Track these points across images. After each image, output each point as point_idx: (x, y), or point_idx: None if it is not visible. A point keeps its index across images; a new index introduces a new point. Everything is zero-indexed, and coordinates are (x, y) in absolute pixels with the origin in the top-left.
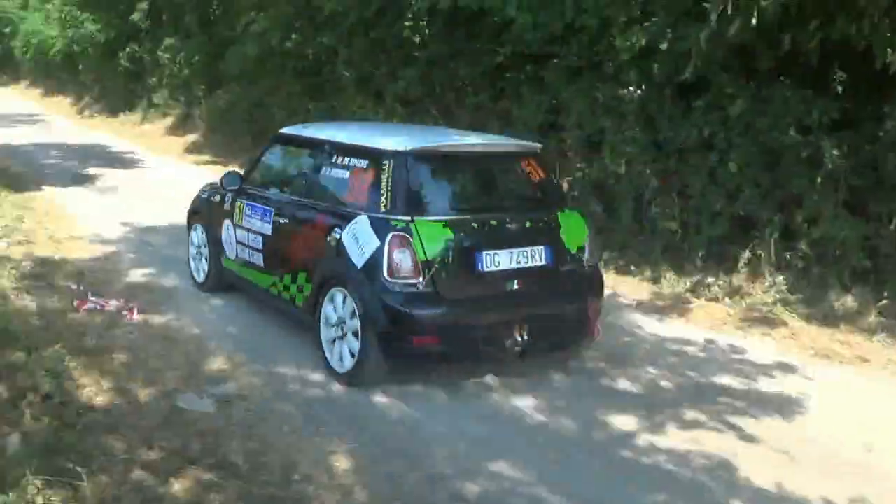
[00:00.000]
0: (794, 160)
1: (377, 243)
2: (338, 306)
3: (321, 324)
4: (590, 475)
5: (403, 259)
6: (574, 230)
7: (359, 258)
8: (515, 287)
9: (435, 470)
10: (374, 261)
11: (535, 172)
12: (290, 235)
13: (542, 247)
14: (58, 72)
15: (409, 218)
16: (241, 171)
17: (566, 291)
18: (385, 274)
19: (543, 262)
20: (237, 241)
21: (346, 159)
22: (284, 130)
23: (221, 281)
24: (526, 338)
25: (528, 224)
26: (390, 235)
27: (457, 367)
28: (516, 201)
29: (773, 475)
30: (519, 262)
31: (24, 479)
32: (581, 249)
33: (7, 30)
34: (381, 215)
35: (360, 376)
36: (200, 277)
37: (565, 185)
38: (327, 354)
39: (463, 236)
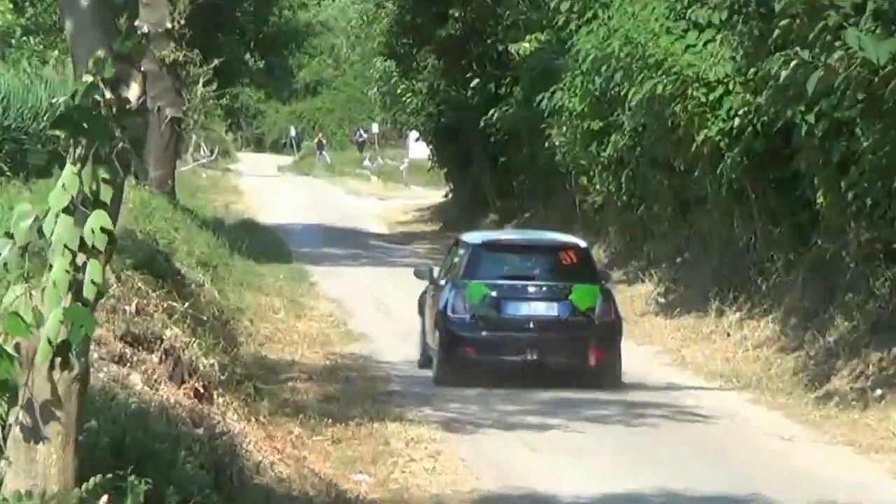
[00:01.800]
0: None
1: (448, 295)
2: (427, 332)
3: (424, 341)
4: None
5: (456, 303)
6: (585, 296)
7: (441, 304)
8: (532, 326)
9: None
10: (445, 304)
11: (569, 259)
12: (433, 300)
13: (555, 302)
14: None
15: (465, 281)
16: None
17: (571, 332)
18: (449, 311)
19: (556, 313)
20: (428, 313)
21: (459, 250)
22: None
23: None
24: (535, 357)
25: (544, 289)
26: (453, 290)
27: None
28: (542, 274)
29: None
30: (535, 312)
31: None
32: (591, 309)
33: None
34: (455, 280)
35: (439, 375)
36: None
37: None
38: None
39: (495, 292)
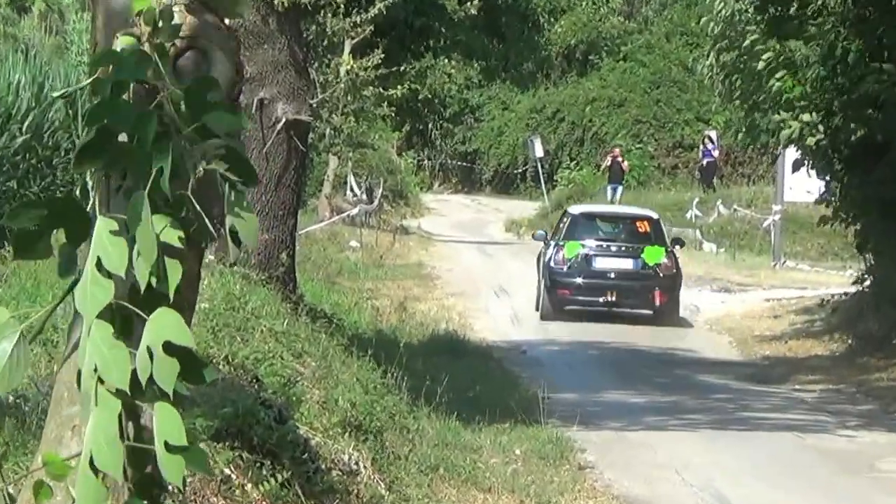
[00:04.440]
0: None
1: (552, 251)
2: (540, 281)
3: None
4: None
5: (557, 257)
6: (653, 255)
7: (546, 258)
8: (612, 276)
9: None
10: (549, 258)
11: (644, 227)
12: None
13: (630, 258)
14: None
15: (565, 241)
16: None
17: (641, 281)
18: (552, 262)
19: (631, 267)
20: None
21: (564, 218)
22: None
23: None
24: (613, 299)
25: (622, 248)
26: (556, 247)
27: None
28: (623, 238)
29: None
30: (615, 265)
31: None
32: (657, 265)
33: None
34: (557, 240)
35: (543, 311)
36: None
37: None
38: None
39: (586, 250)
